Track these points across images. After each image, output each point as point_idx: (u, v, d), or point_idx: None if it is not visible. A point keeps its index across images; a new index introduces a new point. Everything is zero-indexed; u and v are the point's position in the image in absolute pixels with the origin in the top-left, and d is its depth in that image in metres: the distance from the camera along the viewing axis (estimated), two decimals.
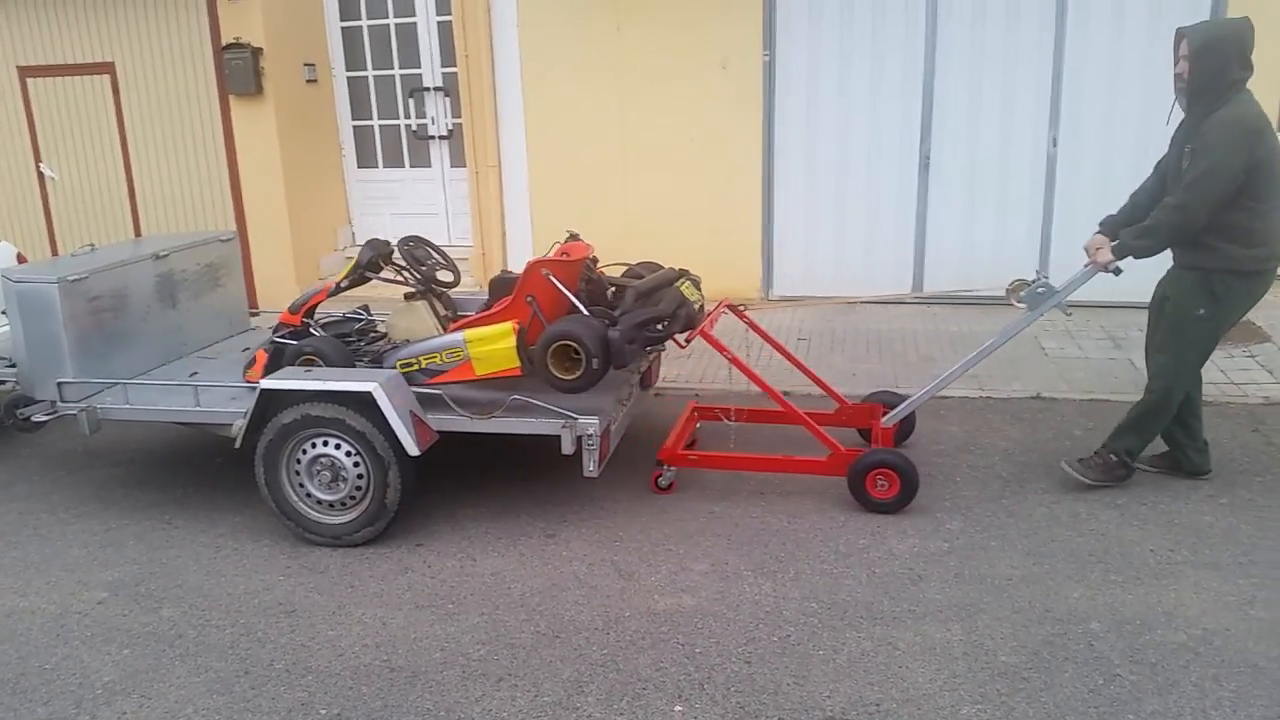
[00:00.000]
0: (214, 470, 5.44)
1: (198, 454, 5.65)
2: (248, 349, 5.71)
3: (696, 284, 4.99)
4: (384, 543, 4.48)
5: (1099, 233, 4.68)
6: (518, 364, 4.39)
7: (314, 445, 4.40)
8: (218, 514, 4.90)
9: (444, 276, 5.13)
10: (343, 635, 3.79)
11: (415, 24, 8.99)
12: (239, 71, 8.35)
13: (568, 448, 4.36)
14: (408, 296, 5.01)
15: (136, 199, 9.15)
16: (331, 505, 4.46)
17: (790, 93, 8.05)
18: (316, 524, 4.48)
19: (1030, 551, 4.19)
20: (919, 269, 8.11)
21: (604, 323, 4.41)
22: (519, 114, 8.61)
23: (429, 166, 9.38)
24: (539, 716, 3.26)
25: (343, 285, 5.08)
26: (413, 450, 4.27)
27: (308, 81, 8.97)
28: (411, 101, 9.22)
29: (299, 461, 4.43)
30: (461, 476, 5.13)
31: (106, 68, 8.84)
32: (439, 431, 4.45)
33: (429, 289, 5.02)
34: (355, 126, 9.49)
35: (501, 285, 4.95)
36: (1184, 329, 4.50)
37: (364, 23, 9.14)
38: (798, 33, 7.92)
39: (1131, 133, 7.49)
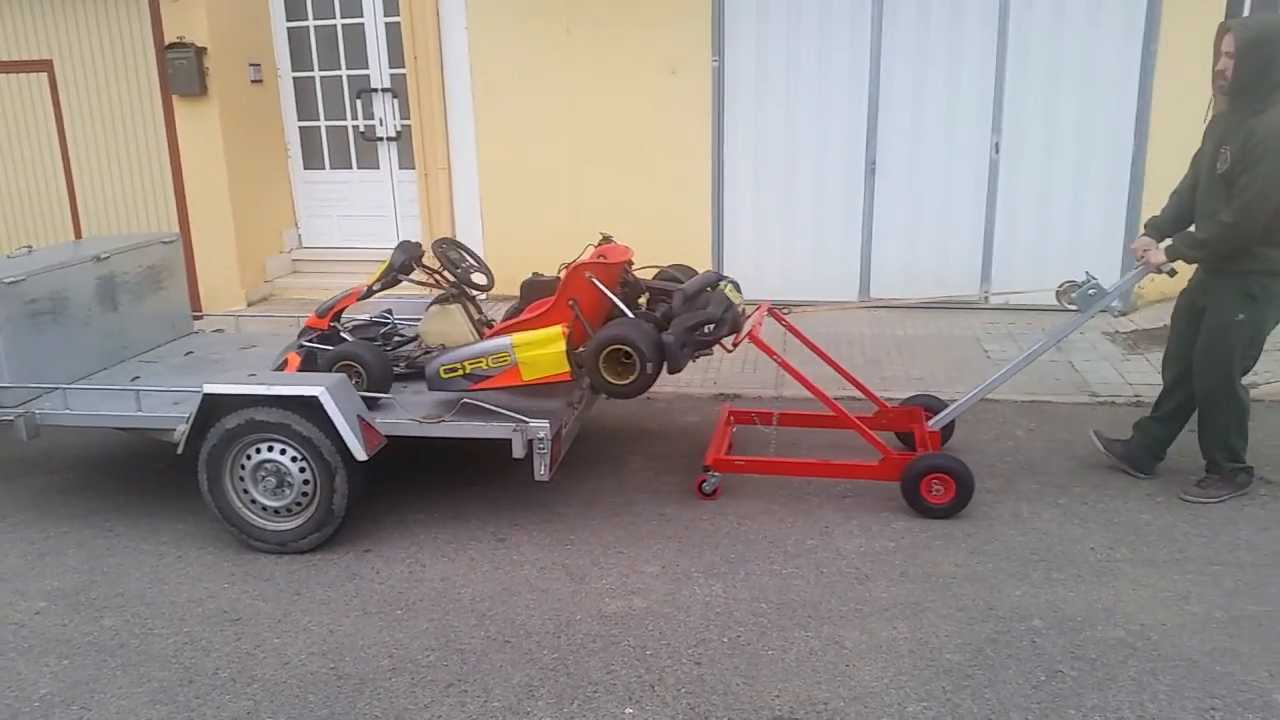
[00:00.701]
0: (156, 476, 5.34)
1: (139, 460, 5.55)
2: (191, 352, 5.64)
3: (737, 287, 4.92)
4: (331, 549, 4.43)
5: (1145, 234, 4.69)
6: (568, 369, 4.33)
7: (258, 450, 4.35)
8: (160, 521, 4.81)
9: (478, 279, 5.01)
10: (289, 643, 3.75)
11: (363, 25, 8.91)
12: (182, 71, 8.21)
13: (518, 451, 4.34)
14: (441, 300, 4.86)
15: (76, 200, 8.95)
16: (277, 511, 4.40)
17: (739, 98, 8.10)
18: (261, 530, 4.42)
19: (974, 550, 4.27)
20: (865, 273, 8.20)
21: (654, 326, 4.38)
22: (469, 116, 8.57)
23: (377, 168, 9.29)
24: None
25: (374, 288, 4.97)
26: (360, 455, 4.22)
27: (253, 82, 8.85)
28: (359, 102, 9.13)
29: (243, 467, 4.37)
30: (411, 481, 5.09)
31: (44, 65, 8.63)
32: (387, 436, 4.41)
33: (462, 292, 4.91)
34: (301, 127, 9.37)
35: (534, 288, 4.85)
36: (1225, 336, 4.46)
37: (310, 23, 9.03)
38: (746, 39, 7.98)
39: (1071, 139, 7.66)
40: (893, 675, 3.42)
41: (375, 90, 9.05)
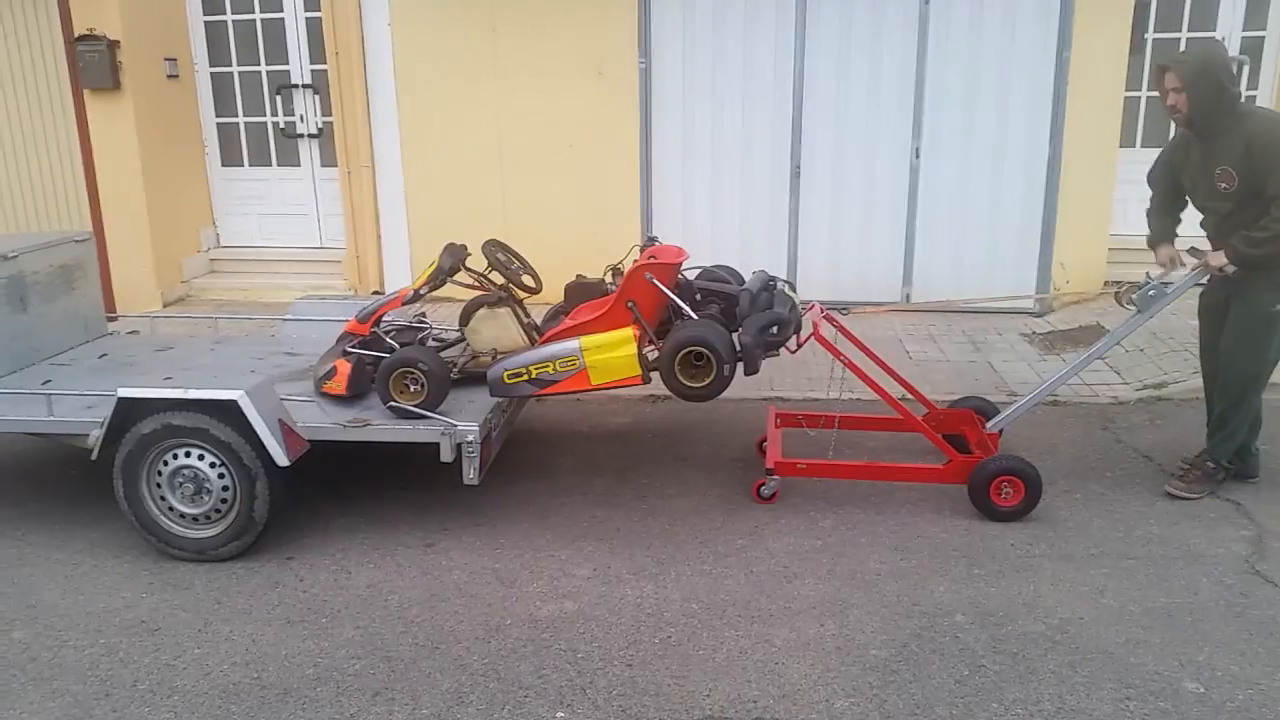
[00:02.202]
0: (69, 483, 5.16)
1: (51, 466, 5.36)
2: (106, 354, 5.46)
3: (792, 287, 4.86)
4: (252, 557, 4.33)
5: (1160, 243, 4.79)
6: (639, 372, 4.25)
7: (176, 456, 4.23)
8: (74, 529, 4.66)
9: (527, 282, 4.88)
10: (210, 653, 3.66)
11: (283, 19, 8.72)
12: (94, 65, 7.93)
13: (447, 455, 4.30)
14: (489, 304, 4.70)
15: None
16: (195, 519, 4.29)
17: (666, 100, 8.12)
18: (180, 538, 4.29)
19: (897, 547, 4.34)
20: (792, 276, 8.27)
21: (728, 327, 4.32)
22: (392, 113, 8.45)
23: (298, 166, 9.11)
24: None
25: (422, 291, 4.77)
26: (282, 461, 4.13)
27: (169, 77, 8.59)
28: (279, 98, 8.94)
29: (160, 473, 4.25)
30: (336, 487, 5.01)
31: None
32: (310, 441, 4.32)
33: (510, 295, 4.76)
34: (219, 124, 9.13)
35: (579, 290, 4.74)
36: (1259, 327, 4.54)
37: (229, 17, 8.81)
38: (673, 41, 8.00)
39: (989, 146, 7.83)
40: (820, 672, 3.46)
41: (296, 86, 8.86)
